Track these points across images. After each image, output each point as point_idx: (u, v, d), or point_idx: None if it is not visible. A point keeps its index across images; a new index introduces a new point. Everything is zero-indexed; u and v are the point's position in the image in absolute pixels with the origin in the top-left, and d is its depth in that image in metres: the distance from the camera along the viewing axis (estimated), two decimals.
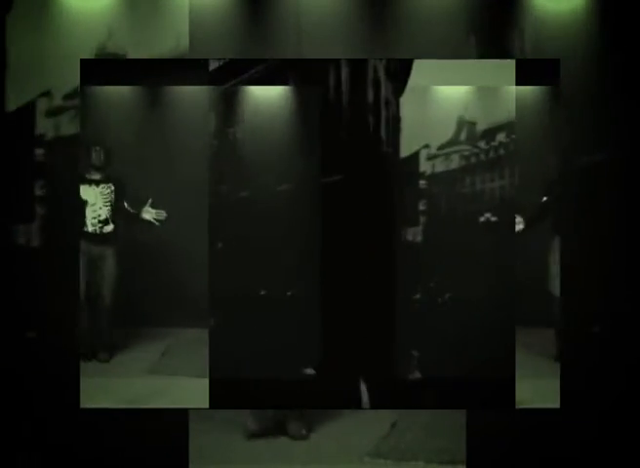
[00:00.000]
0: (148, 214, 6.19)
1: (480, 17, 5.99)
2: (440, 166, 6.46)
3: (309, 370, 5.70)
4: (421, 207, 6.38)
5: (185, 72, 5.98)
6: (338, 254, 5.61)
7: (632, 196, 5.94)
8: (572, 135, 5.94)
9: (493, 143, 6.41)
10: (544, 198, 6.28)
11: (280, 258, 6.00)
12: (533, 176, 6.37)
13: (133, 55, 6.01)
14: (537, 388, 5.68)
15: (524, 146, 6.28)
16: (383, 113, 6.05)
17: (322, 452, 5.49)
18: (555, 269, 6.19)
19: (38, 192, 6.05)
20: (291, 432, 5.62)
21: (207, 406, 5.57)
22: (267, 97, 6.08)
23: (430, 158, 6.45)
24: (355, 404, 5.54)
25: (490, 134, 6.41)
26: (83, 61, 5.82)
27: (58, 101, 6.06)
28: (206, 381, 5.59)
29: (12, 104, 5.96)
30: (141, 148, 7.00)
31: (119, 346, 6.46)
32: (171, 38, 5.98)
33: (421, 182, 6.43)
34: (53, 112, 6.08)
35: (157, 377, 6.02)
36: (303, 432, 5.61)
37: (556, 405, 5.61)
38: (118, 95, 6.83)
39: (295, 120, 6.02)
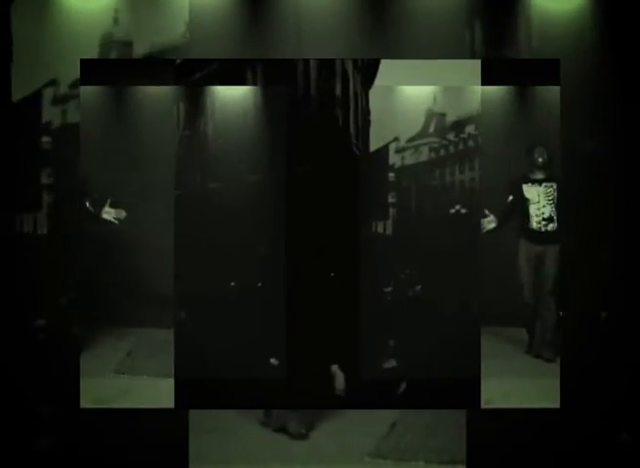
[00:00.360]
0: (108, 214, 6.16)
1: (479, 17, 5.99)
2: (409, 158, 6.47)
3: (274, 361, 5.72)
4: (391, 199, 6.39)
5: (154, 71, 5.99)
6: (310, 249, 5.68)
7: (631, 195, 5.94)
8: (569, 134, 5.95)
9: (462, 135, 6.41)
10: (510, 197, 6.29)
11: (250, 252, 6.04)
12: (500, 175, 6.37)
13: (137, 47, 6.01)
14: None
15: (490, 145, 6.28)
16: (352, 106, 6.09)
17: (322, 452, 5.49)
18: (524, 267, 6.23)
19: (45, 180, 6.06)
20: (290, 430, 5.62)
21: (172, 405, 5.59)
22: (236, 93, 6.12)
23: (399, 151, 6.46)
24: (328, 401, 5.59)
25: (459, 125, 6.41)
26: (83, 61, 5.84)
27: (64, 89, 6.07)
28: (171, 381, 5.62)
29: (18, 93, 5.96)
30: (109, 145, 6.90)
31: (85, 346, 6.41)
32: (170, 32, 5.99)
33: (391, 175, 6.45)
34: (59, 100, 6.09)
35: (123, 377, 5.99)
36: (303, 431, 5.61)
37: (555, 403, 5.63)
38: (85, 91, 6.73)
39: (263, 114, 6.07)
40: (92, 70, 5.87)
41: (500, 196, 6.23)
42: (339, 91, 5.94)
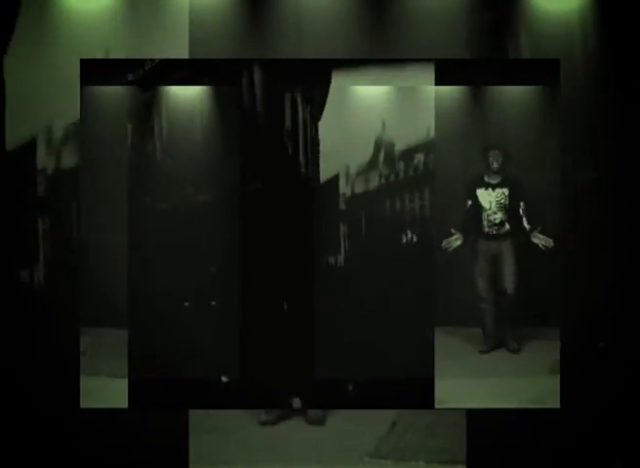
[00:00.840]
0: None
1: (479, 17, 6.00)
2: (359, 187, 6.44)
3: (225, 378, 5.74)
4: (342, 228, 6.38)
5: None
6: (259, 276, 5.74)
7: (631, 197, 5.94)
8: (566, 136, 5.95)
9: (412, 163, 6.38)
10: (469, 202, 6.32)
11: (201, 270, 6.07)
12: (454, 185, 6.38)
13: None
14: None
15: (445, 149, 6.27)
16: (302, 134, 6.08)
17: (322, 452, 5.50)
18: (481, 263, 6.31)
19: (41, 228, 6.01)
20: (309, 416, 5.66)
21: (125, 405, 5.60)
22: (186, 98, 6.10)
23: (349, 179, 6.43)
24: (281, 403, 5.67)
25: (408, 154, 6.37)
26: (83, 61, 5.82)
27: (59, 135, 6.02)
28: (125, 381, 5.65)
29: (12, 140, 5.91)
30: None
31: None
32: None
33: (341, 204, 6.43)
34: (54, 146, 6.05)
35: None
36: (320, 414, 5.64)
37: (556, 404, 5.64)
38: None
39: (214, 125, 6.07)
40: (92, 71, 5.86)
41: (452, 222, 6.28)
42: (288, 121, 5.96)
